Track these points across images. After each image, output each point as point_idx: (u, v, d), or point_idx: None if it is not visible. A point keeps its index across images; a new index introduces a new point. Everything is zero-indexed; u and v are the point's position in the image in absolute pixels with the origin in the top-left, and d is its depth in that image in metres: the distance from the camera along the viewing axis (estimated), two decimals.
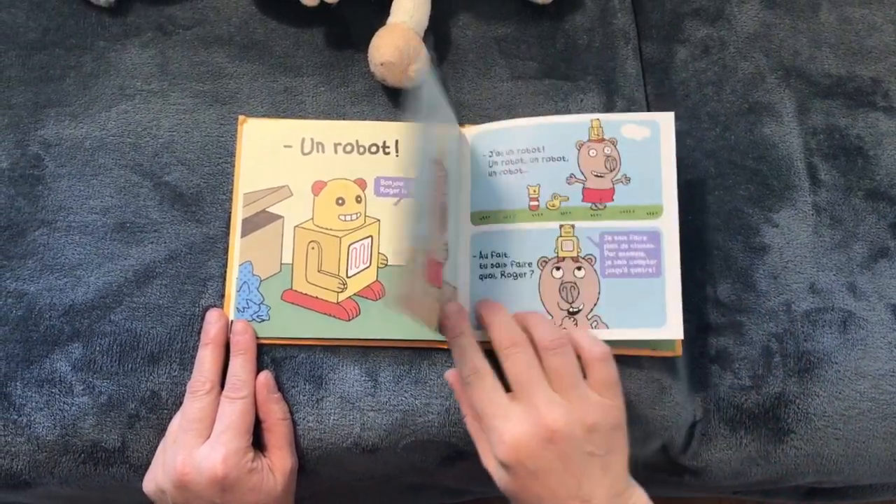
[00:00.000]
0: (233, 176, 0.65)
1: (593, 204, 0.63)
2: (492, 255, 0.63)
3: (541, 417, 0.53)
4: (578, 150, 0.64)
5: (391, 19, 0.66)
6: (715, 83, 0.73)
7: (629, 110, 0.70)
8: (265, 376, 0.60)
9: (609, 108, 0.70)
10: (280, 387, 0.62)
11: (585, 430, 0.53)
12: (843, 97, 0.73)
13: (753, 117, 0.72)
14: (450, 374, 0.61)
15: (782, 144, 0.71)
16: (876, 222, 0.69)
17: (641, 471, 0.69)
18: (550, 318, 0.62)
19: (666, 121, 0.64)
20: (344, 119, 0.68)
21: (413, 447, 0.63)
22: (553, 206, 0.63)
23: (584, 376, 0.56)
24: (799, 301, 0.67)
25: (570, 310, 0.62)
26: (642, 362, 0.64)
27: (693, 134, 0.71)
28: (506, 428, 0.54)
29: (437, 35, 0.69)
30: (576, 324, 0.62)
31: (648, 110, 0.72)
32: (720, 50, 0.74)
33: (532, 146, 0.64)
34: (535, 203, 0.64)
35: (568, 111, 0.69)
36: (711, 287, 0.68)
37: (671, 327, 0.61)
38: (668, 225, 0.62)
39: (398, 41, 0.64)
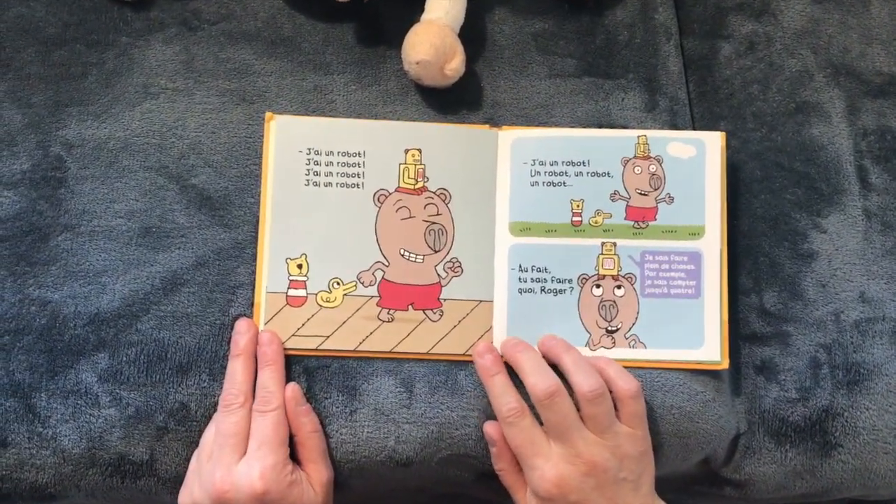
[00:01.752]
0: (261, 178, 0.63)
1: (636, 222, 0.62)
2: (532, 269, 0.62)
3: (580, 456, 0.56)
4: (623, 166, 0.62)
5: (426, 15, 0.64)
6: (760, 81, 0.70)
7: (671, 109, 0.67)
8: (292, 389, 0.59)
9: (651, 107, 0.67)
10: (313, 398, 0.60)
11: (619, 460, 0.56)
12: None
13: (801, 118, 0.69)
14: (490, 428, 0.60)
15: (831, 146, 0.68)
16: None
17: (681, 483, 0.68)
18: (588, 335, 0.62)
19: (713, 140, 0.63)
20: (376, 119, 0.65)
21: (449, 461, 0.61)
22: (596, 222, 0.62)
23: (615, 407, 0.58)
24: (848, 310, 0.65)
25: (609, 328, 0.62)
26: (685, 375, 0.62)
27: (737, 135, 0.68)
28: (548, 466, 0.56)
29: (472, 30, 0.67)
30: (613, 342, 0.62)
31: (691, 109, 0.69)
32: (766, 46, 0.71)
33: (577, 159, 0.62)
34: (579, 218, 0.62)
35: (608, 111, 0.67)
36: (757, 295, 0.65)
37: (709, 349, 0.61)
38: (710, 246, 0.62)
39: (434, 38, 0.62)
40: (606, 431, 0.56)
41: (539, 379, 0.57)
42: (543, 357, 0.60)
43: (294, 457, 0.58)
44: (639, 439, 0.57)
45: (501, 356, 0.60)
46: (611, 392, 0.58)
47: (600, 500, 0.56)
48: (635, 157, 0.63)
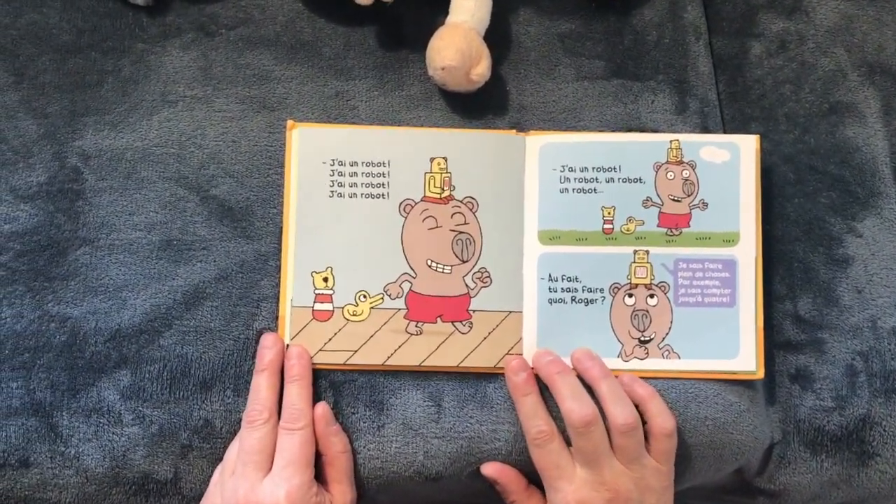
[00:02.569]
0: (283, 188, 0.61)
1: (669, 229, 0.60)
2: (562, 279, 0.60)
3: (604, 484, 0.56)
4: (656, 171, 0.61)
5: (451, 18, 0.62)
6: (792, 81, 0.68)
7: (702, 112, 0.66)
8: (322, 408, 0.57)
9: (681, 110, 0.65)
10: (339, 413, 0.59)
11: (641, 492, 0.56)
12: None
13: (835, 118, 0.67)
14: (487, 469, 0.59)
15: (866, 147, 0.66)
16: None
17: (712, 492, 0.67)
18: (621, 346, 0.60)
19: (747, 144, 0.61)
20: (399, 126, 0.64)
21: (479, 475, 0.60)
22: (628, 230, 0.60)
23: (646, 438, 0.57)
24: (885, 317, 0.63)
25: (642, 338, 0.60)
26: (719, 385, 0.60)
27: (769, 137, 0.66)
28: (571, 489, 0.56)
29: (497, 32, 0.65)
30: (647, 353, 0.60)
31: (721, 111, 0.67)
32: (798, 45, 0.69)
33: (608, 164, 0.60)
34: (610, 226, 0.60)
35: (638, 114, 0.65)
36: (791, 302, 0.64)
37: (744, 359, 0.60)
38: (745, 253, 0.60)
39: (460, 43, 0.60)
40: (634, 462, 0.56)
41: (577, 406, 0.56)
42: (578, 376, 0.59)
43: (320, 476, 0.57)
44: (663, 474, 0.57)
45: (533, 370, 0.59)
46: (646, 423, 0.57)
47: None
48: (668, 162, 0.61)
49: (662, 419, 0.57)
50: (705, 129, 0.65)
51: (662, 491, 0.57)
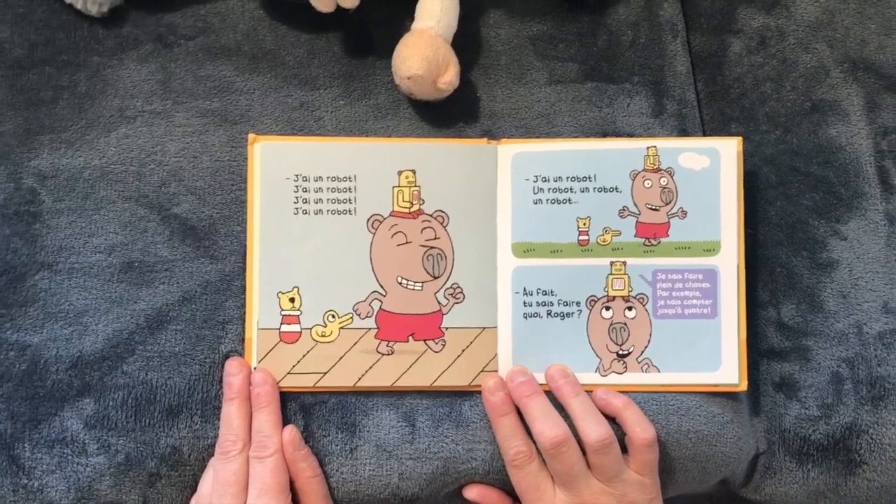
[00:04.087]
0: (247, 205, 0.59)
1: (647, 239, 0.58)
2: (537, 293, 0.58)
3: (582, 502, 0.54)
4: (633, 180, 0.58)
5: (416, 24, 0.60)
6: (773, 79, 0.66)
7: (680, 113, 0.64)
8: (290, 433, 0.56)
9: (658, 112, 0.63)
10: (310, 436, 0.57)
11: None
12: None
13: (817, 117, 0.65)
14: (470, 493, 0.58)
15: (850, 147, 0.64)
16: None
17: (698, 502, 0.66)
18: (599, 360, 0.59)
19: (728, 149, 0.59)
20: (367, 136, 0.61)
21: (456, 495, 0.59)
22: (604, 241, 0.58)
23: (624, 450, 0.56)
24: (871, 322, 0.62)
25: (620, 352, 0.58)
26: (701, 397, 0.59)
27: (750, 138, 0.64)
28: None
29: (465, 37, 0.63)
30: (625, 367, 0.59)
31: (700, 112, 0.65)
32: (778, 41, 0.67)
33: (582, 174, 0.58)
34: (585, 237, 0.58)
35: (613, 118, 0.63)
36: (774, 308, 0.62)
37: (727, 372, 0.58)
38: (726, 263, 0.59)
39: (425, 50, 0.58)
40: (614, 480, 0.54)
41: (546, 427, 0.54)
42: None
43: (295, 500, 0.56)
44: (647, 487, 0.55)
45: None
46: (625, 436, 0.56)
47: None
48: (645, 169, 0.59)
49: (641, 429, 0.55)
50: (683, 132, 0.63)
51: (647, 503, 0.56)
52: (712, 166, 0.59)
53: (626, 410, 0.56)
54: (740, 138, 0.59)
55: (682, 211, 0.59)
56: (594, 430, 0.54)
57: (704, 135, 0.65)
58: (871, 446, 0.60)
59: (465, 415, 0.58)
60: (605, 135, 0.63)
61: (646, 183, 0.59)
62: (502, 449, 0.56)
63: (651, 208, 0.59)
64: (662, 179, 0.59)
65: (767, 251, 0.63)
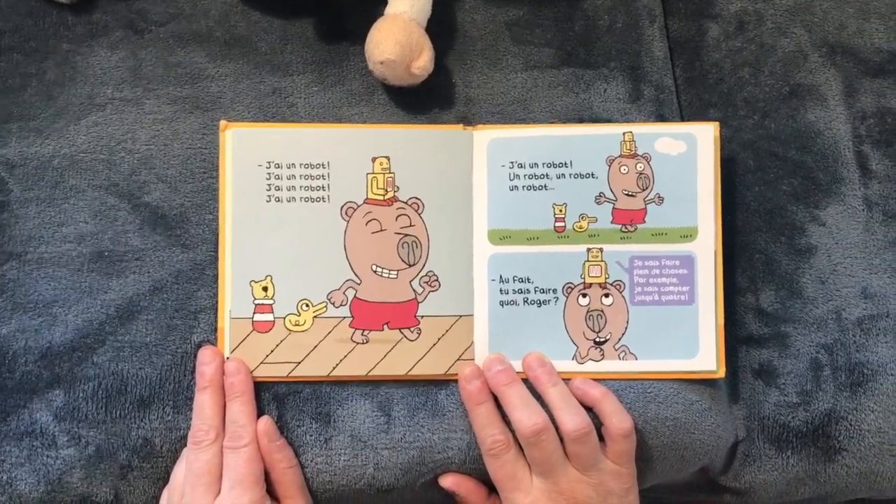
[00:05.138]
0: (219, 192, 0.58)
1: (623, 226, 0.58)
2: (514, 280, 0.58)
3: (562, 493, 0.54)
4: (609, 165, 0.58)
5: (389, 9, 0.59)
6: (751, 64, 0.65)
7: (657, 99, 0.63)
8: (265, 424, 0.55)
9: (635, 97, 0.63)
10: (284, 426, 0.57)
11: (602, 497, 0.54)
12: None
13: (795, 102, 0.65)
14: (446, 481, 0.57)
15: (828, 132, 0.64)
16: None
17: (678, 490, 0.65)
18: (576, 348, 0.58)
19: (705, 134, 0.58)
20: (340, 122, 0.61)
21: (432, 485, 0.58)
22: (580, 227, 0.57)
23: (602, 439, 0.56)
24: (850, 308, 0.61)
25: (597, 339, 0.58)
26: (679, 384, 0.58)
27: (729, 123, 0.64)
28: (527, 501, 0.54)
29: (440, 21, 0.62)
30: (602, 354, 0.58)
31: (678, 97, 0.65)
32: (757, 25, 0.66)
33: (559, 160, 0.58)
34: (562, 224, 0.58)
35: (590, 104, 0.62)
36: (753, 295, 0.62)
37: (704, 358, 0.58)
38: (703, 249, 0.58)
39: (399, 35, 0.57)
40: (591, 469, 0.54)
41: (525, 415, 0.54)
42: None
43: (272, 492, 0.55)
44: (624, 476, 0.55)
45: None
46: (602, 425, 0.55)
47: None
48: (621, 155, 0.58)
49: (618, 419, 0.55)
50: (661, 117, 0.63)
51: (625, 493, 0.55)
52: (689, 152, 0.58)
53: (604, 401, 0.56)
54: (717, 123, 0.58)
55: (659, 197, 0.58)
56: (572, 419, 0.54)
57: (682, 120, 0.65)
58: (850, 433, 0.60)
59: (440, 404, 0.58)
60: (581, 121, 0.62)
61: (622, 169, 0.58)
62: (479, 438, 0.55)
63: (627, 194, 0.58)
64: (639, 165, 0.58)
65: (746, 237, 0.62)
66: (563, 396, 0.55)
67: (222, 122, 0.58)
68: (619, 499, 0.55)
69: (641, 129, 0.59)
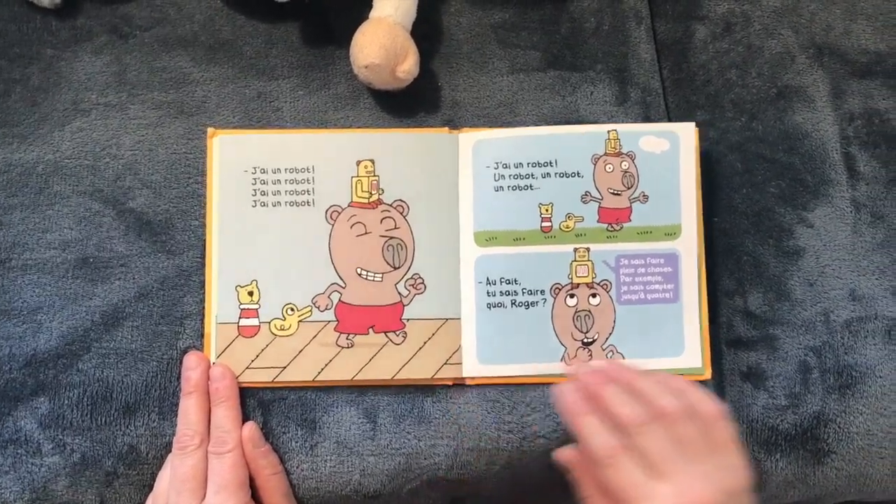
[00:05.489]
0: (205, 198, 0.58)
1: (609, 224, 0.58)
2: (501, 282, 0.57)
3: (685, 495, 0.48)
4: (594, 164, 0.58)
5: (374, 13, 0.59)
6: (739, 66, 0.65)
7: (644, 101, 0.63)
8: (249, 430, 0.55)
9: (622, 100, 0.62)
10: (270, 433, 0.56)
11: (726, 496, 0.49)
12: (883, 76, 0.65)
13: (783, 104, 0.64)
14: (563, 455, 0.54)
15: (816, 133, 0.64)
16: None
17: None
18: (564, 349, 0.58)
19: (686, 132, 0.58)
20: (326, 127, 0.60)
21: (419, 491, 0.58)
22: (567, 227, 0.57)
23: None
24: (838, 310, 0.61)
25: (585, 340, 0.58)
26: None
27: (716, 125, 0.64)
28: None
29: (426, 25, 0.62)
30: (590, 355, 0.58)
31: (665, 99, 0.64)
32: (744, 27, 0.66)
33: (544, 159, 0.58)
34: (548, 224, 0.57)
35: (576, 107, 0.62)
36: (741, 297, 0.61)
37: (690, 356, 0.58)
38: (687, 246, 0.58)
39: (383, 39, 0.57)
40: (707, 460, 0.49)
41: (625, 405, 0.50)
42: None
43: (255, 496, 0.55)
44: (742, 471, 0.50)
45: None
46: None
47: None
48: (606, 153, 0.58)
49: (707, 404, 0.51)
50: (648, 120, 0.63)
51: (745, 493, 0.50)
52: (672, 149, 0.58)
53: (688, 392, 0.51)
54: (695, 123, 0.59)
55: (644, 195, 0.58)
56: (670, 402, 0.49)
57: (669, 122, 0.64)
58: (838, 435, 0.60)
59: (427, 411, 0.57)
60: (568, 123, 0.62)
61: (607, 167, 0.58)
62: (592, 450, 0.50)
63: (613, 193, 0.58)
64: (624, 163, 0.58)
65: (733, 239, 0.62)
66: (653, 387, 0.51)
67: (210, 130, 0.58)
68: (738, 500, 0.50)
69: (626, 128, 0.59)
